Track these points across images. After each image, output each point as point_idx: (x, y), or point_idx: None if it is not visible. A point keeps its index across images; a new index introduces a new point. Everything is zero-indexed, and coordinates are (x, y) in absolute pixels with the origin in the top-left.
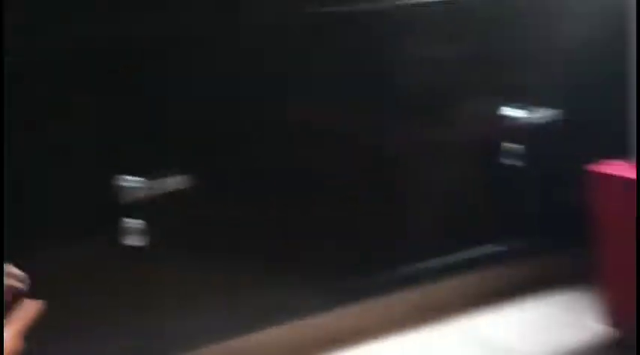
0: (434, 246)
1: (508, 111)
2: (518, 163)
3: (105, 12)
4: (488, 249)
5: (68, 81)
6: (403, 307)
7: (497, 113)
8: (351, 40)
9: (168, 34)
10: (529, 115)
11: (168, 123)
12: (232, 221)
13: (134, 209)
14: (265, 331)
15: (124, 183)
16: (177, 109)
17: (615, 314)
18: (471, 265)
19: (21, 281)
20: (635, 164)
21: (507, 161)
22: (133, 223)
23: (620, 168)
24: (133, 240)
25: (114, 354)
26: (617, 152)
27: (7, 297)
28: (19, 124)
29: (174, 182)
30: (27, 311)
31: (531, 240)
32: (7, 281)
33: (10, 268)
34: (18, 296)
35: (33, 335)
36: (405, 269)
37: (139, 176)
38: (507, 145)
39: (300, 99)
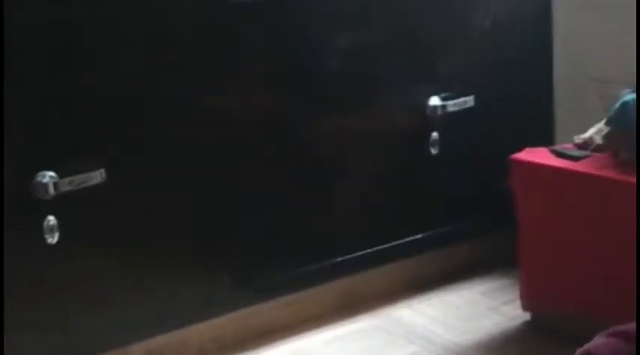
0: (360, 235)
1: (431, 99)
2: (440, 151)
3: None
4: (413, 236)
5: None
6: (330, 298)
7: (421, 102)
8: (275, 29)
9: (77, 21)
10: (450, 103)
11: (82, 118)
12: (148, 215)
13: (48, 204)
14: (189, 327)
15: (39, 179)
16: (90, 103)
17: (533, 299)
18: (396, 254)
19: None
20: (550, 150)
21: (431, 149)
22: (48, 219)
23: (541, 155)
24: (48, 237)
25: (36, 352)
26: (541, 139)
27: None
28: None
29: (88, 177)
30: None
31: (455, 226)
32: None
33: None
34: None
35: None
36: (331, 261)
37: (54, 171)
38: (431, 134)
39: (221, 89)
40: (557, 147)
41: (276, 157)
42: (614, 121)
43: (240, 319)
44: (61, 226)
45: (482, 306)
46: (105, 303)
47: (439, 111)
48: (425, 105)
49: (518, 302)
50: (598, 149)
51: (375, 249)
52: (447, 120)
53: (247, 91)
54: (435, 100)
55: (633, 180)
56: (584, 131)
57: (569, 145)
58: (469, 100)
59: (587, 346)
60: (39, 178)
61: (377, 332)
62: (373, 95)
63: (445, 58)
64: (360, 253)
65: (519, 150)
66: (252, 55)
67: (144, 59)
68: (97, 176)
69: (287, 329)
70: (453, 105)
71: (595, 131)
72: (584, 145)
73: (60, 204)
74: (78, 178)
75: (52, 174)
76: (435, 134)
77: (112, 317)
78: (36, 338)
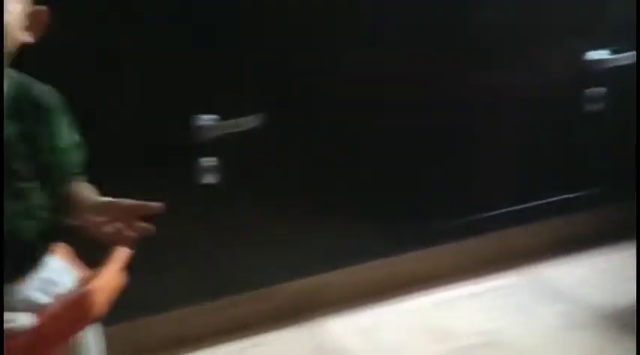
0: (508, 192)
1: (591, 54)
2: (601, 108)
3: None
4: (564, 196)
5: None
6: (475, 253)
7: (580, 56)
8: None
9: None
10: (615, 56)
11: (244, 62)
12: (303, 161)
13: (208, 147)
14: (333, 272)
15: (200, 122)
16: (252, 49)
17: None
18: (544, 212)
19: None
20: None
21: (589, 106)
22: (206, 161)
23: None
24: (206, 178)
25: (189, 290)
26: None
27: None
28: (101, 63)
29: (247, 121)
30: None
31: (607, 188)
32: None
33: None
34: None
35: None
36: (477, 216)
37: (214, 115)
38: (590, 90)
39: (370, 47)
40: None
41: (429, 111)
42: None
43: (383, 268)
44: (219, 168)
45: (631, 270)
46: (255, 244)
47: (602, 65)
48: (585, 58)
49: None
50: None
51: (522, 206)
52: (611, 76)
53: (397, 47)
54: (598, 54)
55: None
56: None
57: None
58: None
59: None
60: (200, 121)
61: (522, 289)
62: (530, 48)
63: (613, 6)
64: (507, 210)
65: None
66: (404, 17)
67: (307, 14)
68: (256, 120)
69: (430, 281)
70: (617, 59)
71: None
72: None
73: (219, 146)
74: (237, 122)
75: (212, 116)
76: (595, 89)
77: (259, 257)
78: (187, 276)
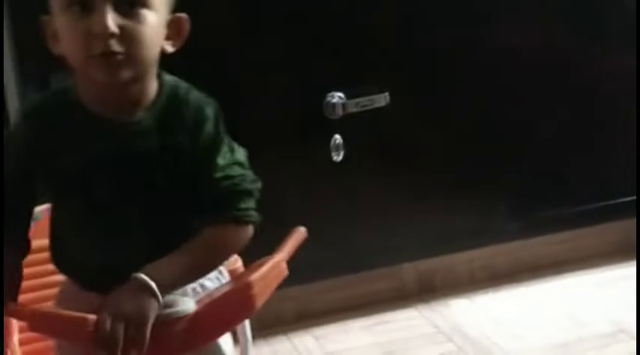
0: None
1: None
2: None
3: None
4: None
5: None
6: (606, 240)
7: None
8: None
9: None
10: None
11: (373, 40)
12: (429, 140)
13: (336, 125)
14: (460, 253)
15: (329, 99)
16: (381, 27)
17: None
18: None
19: None
20: None
21: None
22: (334, 139)
23: None
24: (334, 156)
25: (315, 265)
26: None
27: None
28: (234, 41)
29: (375, 99)
30: (296, 237)
31: None
32: None
33: None
34: None
35: None
36: (608, 202)
37: (342, 93)
38: None
39: (506, 18)
40: None
41: (560, 94)
42: None
43: (513, 251)
44: (346, 145)
45: None
46: (381, 221)
47: None
48: None
49: None
50: None
51: None
52: None
53: (539, 25)
54: None
55: None
56: None
57: None
58: None
59: None
60: (329, 98)
61: None
62: None
63: None
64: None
65: None
66: None
67: None
68: (382, 99)
69: (560, 266)
70: None
71: None
72: None
73: (346, 124)
74: (364, 100)
75: (340, 95)
76: None
77: (386, 235)
78: (314, 251)
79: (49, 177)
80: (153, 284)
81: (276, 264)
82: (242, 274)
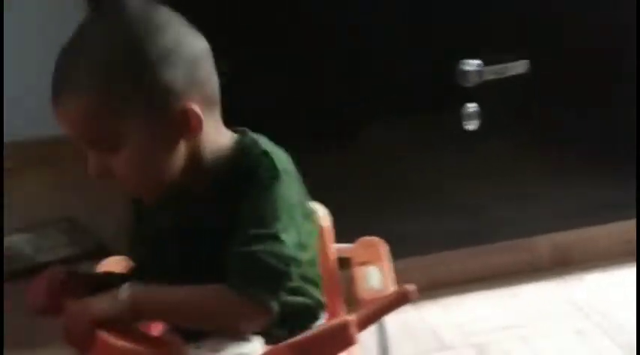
0: None
1: None
2: None
3: None
4: None
5: None
6: None
7: None
8: None
9: None
10: None
11: (511, 6)
12: (570, 111)
13: (471, 93)
14: (597, 227)
15: (464, 67)
16: None
17: None
18: None
19: None
20: None
21: None
22: (469, 107)
23: None
24: (468, 125)
25: (446, 235)
26: None
27: None
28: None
29: (511, 67)
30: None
31: None
32: None
33: None
34: None
35: None
36: None
37: (478, 60)
38: None
39: None
40: None
41: None
42: None
43: None
44: (481, 114)
45: None
46: (514, 192)
47: None
48: None
49: None
50: None
51: None
52: None
53: None
54: None
55: None
56: None
57: None
58: None
59: None
60: (463, 66)
61: None
62: None
63: None
64: None
65: None
66: None
67: None
68: (521, 66)
69: None
70: None
71: None
72: None
73: (481, 92)
74: (501, 67)
75: (476, 62)
76: None
77: (520, 207)
78: (445, 220)
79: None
80: (127, 300)
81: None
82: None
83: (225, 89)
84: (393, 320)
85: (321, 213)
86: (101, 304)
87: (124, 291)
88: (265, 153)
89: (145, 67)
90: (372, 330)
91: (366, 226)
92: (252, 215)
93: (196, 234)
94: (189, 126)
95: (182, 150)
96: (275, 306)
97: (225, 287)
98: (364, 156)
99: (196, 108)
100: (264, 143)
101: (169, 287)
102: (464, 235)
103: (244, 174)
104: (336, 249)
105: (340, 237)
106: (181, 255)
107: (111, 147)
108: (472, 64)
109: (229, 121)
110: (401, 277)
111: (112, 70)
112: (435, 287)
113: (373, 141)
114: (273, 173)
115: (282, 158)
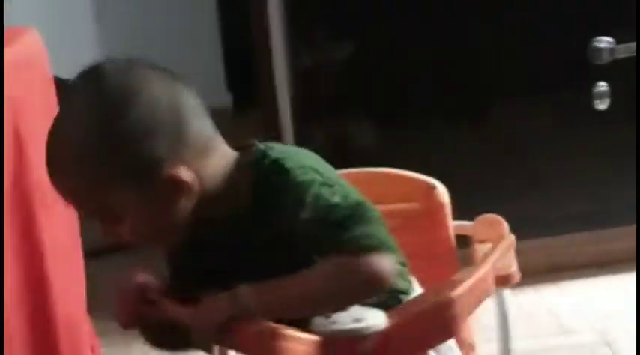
0: None
1: None
2: None
3: None
4: None
5: None
6: None
7: None
8: None
9: None
10: None
11: None
12: None
13: (602, 71)
14: None
15: (595, 44)
16: None
17: None
18: None
19: None
20: None
21: None
22: (600, 86)
23: None
24: (598, 104)
25: (568, 216)
26: None
27: None
28: None
29: None
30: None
31: None
32: None
33: None
34: None
35: None
36: None
37: (611, 37)
38: None
39: None
40: None
41: None
42: None
43: None
44: (612, 93)
45: None
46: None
47: None
48: None
49: None
50: None
51: None
52: None
53: None
54: None
55: None
56: None
57: None
58: None
59: None
60: (595, 43)
61: None
62: None
63: None
64: None
65: None
66: None
67: None
68: None
69: None
70: None
71: None
72: None
73: (613, 70)
74: (633, 46)
75: (608, 39)
76: None
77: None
78: (565, 202)
79: None
80: (246, 304)
81: (483, 278)
82: (443, 286)
83: (348, 72)
84: (510, 301)
85: (440, 190)
86: (225, 304)
87: (244, 290)
88: (275, 161)
89: (121, 143)
90: (492, 310)
91: (487, 205)
92: (311, 220)
93: (241, 254)
94: (181, 189)
95: (185, 202)
96: (391, 253)
97: (334, 258)
98: (491, 135)
99: (183, 171)
100: (275, 152)
101: (279, 282)
102: (586, 218)
103: (265, 188)
104: (455, 226)
105: (461, 215)
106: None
107: (112, 219)
108: (604, 42)
109: (356, 104)
110: (521, 258)
111: (91, 152)
112: (555, 270)
113: (501, 119)
114: (294, 173)
115: (298, 157)
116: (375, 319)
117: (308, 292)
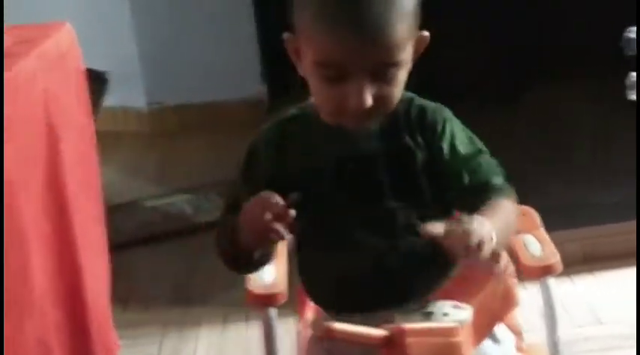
0: None
1: None
2: None
3: None
4: None
5: None
6: None
7: None
8: None
9: None
10: None
11: None
12: None
13: (632, 61)
14: None
15: (627, 34)
16: None
17: None
18: None
19: None
20: None
21: None
22: (630, 75)
23: None
24: (629, 92)
25: (606, 206)
26: None
27: None
28: None
29: None
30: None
31: None
32: None
33: None
34: None
35: None
36: None
37: None
38: None
39: None
40: None
41: None
42: None
43: None
44: None
45: None
46: None
47: None
48: None
49: None
50: None
51: None
52: None
53: None
54: None
55: None
56: None
57: None
58: None
59: None
60: (627, 33)
61: None
62: None
63: None
64: None
65: None
66: None
67: None
68: None
69: None
70: None
71: None
72: None
73: None
74: None
75: None
76: None
77: None
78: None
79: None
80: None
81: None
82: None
83: None
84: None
85: None
86: (479, 225)
87: (482, 218)
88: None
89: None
90: (536, 297)
91: (524, 194)
92: (453, 142)
93: (361, 162)
94: (418, 51)
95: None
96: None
97: (504, 200)
98: (527, 121)
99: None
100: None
101: (495, 213)
102: (623, 208)
103: (420, 114)
104: None
105: None
106: (346, 187)
107: (388, 80)
108: (634, 32)
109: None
110: (559, 247)
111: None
112: (591, 261)
113: (537, 105)
114: (447, 111)
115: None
116: (460, 315)
117: (513, 224)
